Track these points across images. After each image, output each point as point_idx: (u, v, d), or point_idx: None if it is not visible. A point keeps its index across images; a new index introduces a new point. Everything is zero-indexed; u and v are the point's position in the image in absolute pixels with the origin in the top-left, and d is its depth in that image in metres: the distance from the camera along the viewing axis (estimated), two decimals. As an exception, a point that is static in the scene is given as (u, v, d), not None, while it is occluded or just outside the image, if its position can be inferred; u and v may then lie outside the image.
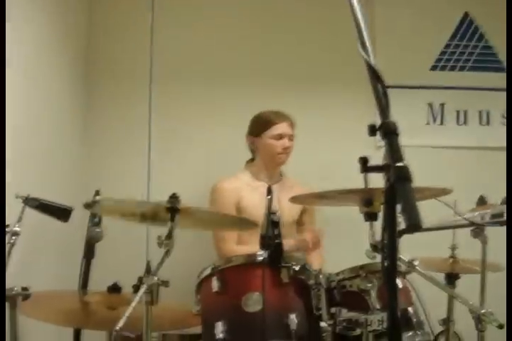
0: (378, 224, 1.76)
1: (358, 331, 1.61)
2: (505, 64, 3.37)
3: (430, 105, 3.34)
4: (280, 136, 2.63)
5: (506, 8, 3.06)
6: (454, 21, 3.40)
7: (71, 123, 2.88)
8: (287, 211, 2.68)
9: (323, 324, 1.66)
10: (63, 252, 2.64)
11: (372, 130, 1.00)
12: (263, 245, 1.68)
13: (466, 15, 3.41)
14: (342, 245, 2.87)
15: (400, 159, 0.93)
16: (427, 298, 1.99)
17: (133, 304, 1.39)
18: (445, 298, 2.44)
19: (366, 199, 1.58)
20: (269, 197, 1.76)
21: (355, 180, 1.53)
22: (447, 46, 3.41)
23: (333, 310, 1.65)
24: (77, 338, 2.10)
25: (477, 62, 3.41)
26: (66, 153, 2.78)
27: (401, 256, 1.76)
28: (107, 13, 3.12)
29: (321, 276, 1.71)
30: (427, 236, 2.26)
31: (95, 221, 2.19)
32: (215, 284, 1.70)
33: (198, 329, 1.81)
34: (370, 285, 1.75)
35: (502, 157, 2.69)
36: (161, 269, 1.55)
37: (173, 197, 1.68)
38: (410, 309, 1.81)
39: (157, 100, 3.05)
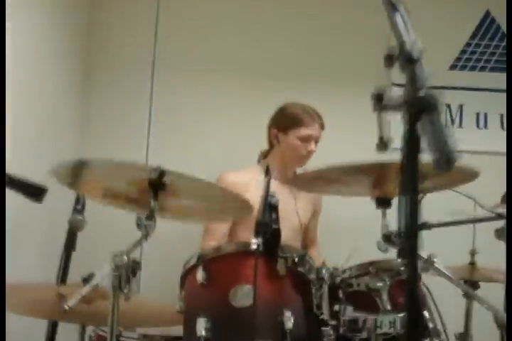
0: (391, 213, 1.55)
1: (364, 334, 1.37)
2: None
3: (448, 106, 3.13)
4: (308, 138, 2.38)
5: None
6: (475, 20, 3.23)
7: (67, 110, 2.71)
8: (302, 213, 2.47)
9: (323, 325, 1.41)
10: (47, 242, 2.45)
11: (390, 59, 0.79)
12: (258, 231, 1.46)
13: (487, 13, 3.25)
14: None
15: (423, 88, 0.72)
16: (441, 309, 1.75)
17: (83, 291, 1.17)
18: (462, 309, 2.21)
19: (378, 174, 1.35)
20: (267, 177, 1.55)
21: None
22: (467, 45, 3.25)
23: (336, 307, 1.41)
24: (51, 331, 1.88)
25: (499, 63, 3.22)
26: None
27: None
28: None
29: (324, 270, 1.48)
30: (443, 240, 2.06)
31: (78, 208, 1.98)
32: (200, 275, 1.45)
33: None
34: (381, 284, 1.51)
35: None
36: (151, 268, 1.33)
37: (157, 169, 1.46)
38: (426, 314, 1.57)
39: (158, 92, 2.92)
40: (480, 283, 2.20)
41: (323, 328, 1.39)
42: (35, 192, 1.72)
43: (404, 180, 0.82)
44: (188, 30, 2.97)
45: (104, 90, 2.92)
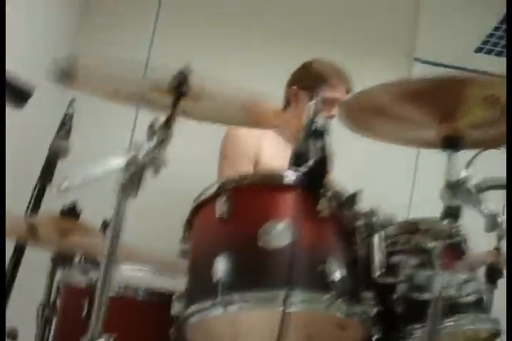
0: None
1: (427, 294, 1.08)
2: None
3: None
4: (332, 101, 2.04)
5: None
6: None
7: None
8: None
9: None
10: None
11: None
12: (295, 162, 1.16)
13: (520, -2, 3.02)
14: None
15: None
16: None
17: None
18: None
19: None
20: (314, 101, 1.25)
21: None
22: (496, 29, 3.03)
23: (395, 259, 1.11)
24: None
25: (528, 49, 3.00)
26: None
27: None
28: None
29: (375, 218, 1.19)
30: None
31: (62, 133, 1.65)
32: (220, 207, 1.13)
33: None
34: (435, 244, 1.23)
35: None
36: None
37: (182, 73, 1.16)
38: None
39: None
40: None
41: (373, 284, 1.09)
42: (16, 96, 1.39)
43: None
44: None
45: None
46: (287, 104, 2.20)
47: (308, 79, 2.13)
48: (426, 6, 2.91)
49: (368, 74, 2.70)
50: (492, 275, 1.95)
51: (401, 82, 1.22)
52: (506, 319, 1.32)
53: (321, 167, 1.16)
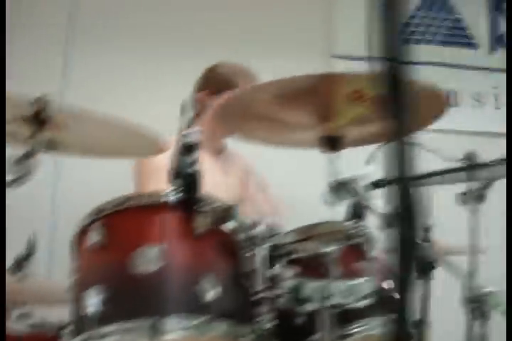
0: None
1: (310, 305, 1.03)
2: (476, 40, 3.00)
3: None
4: None
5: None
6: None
7: None
8: (234, 189, 2.16)
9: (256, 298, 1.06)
10: None
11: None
12: (171, 178, 1.11)
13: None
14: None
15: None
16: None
17: None
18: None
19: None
20: (185, 115, 1.21)
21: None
22: (411, 18, 3.03)
23: (274, 271, 1.06)
24: None
25: (447, 37, 3.02)
26: None
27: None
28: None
29: (256, 229, 1.14)
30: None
31: None
32: (94, 235, 1.08)
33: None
34: (329, 249, 1.18)
35: (471, 142, 2.49)
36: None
37: (41, 101, 1.10)
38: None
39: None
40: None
41: (256, 300, 1.04)
42: None
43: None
44: None
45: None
46: (197, 111, 2.15)
47: (214, 84, 2.06)
48: (341, 4, 2.89)
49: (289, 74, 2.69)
50: (424, 268, 1.92)
51: (273, 83, 1.18)
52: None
53: (193, 182, 1.11)
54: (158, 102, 2.53)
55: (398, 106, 0.65)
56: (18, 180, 1.03)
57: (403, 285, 0.58)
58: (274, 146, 1.33)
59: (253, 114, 1.20)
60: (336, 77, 1.11)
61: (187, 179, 1.09)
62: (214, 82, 2.08)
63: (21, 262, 1.38)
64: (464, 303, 1.37)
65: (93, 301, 1.00)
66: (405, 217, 0.56)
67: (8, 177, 1.03)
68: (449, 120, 2.73)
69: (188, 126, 1.19)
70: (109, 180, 2.22)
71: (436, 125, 2.70)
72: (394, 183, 0.61)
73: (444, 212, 1.91)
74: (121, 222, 1.11)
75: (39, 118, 1.12)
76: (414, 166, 0.60)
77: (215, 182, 2.10)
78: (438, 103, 1.27)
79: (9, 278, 1.37)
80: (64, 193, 2.46)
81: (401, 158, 0.61)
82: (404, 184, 0.60)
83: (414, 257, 0.57)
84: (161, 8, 2.69)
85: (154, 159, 2.03)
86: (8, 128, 1.15)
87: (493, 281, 1.47)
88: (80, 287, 1.06)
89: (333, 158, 1.18)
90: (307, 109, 1.18)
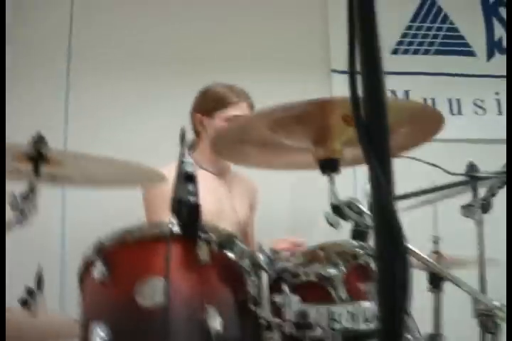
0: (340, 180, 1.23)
1: (317, 331, 1.03)
2: (473, 48, 3.01)
3: (394, 92, 2.90)
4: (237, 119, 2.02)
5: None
6: (415, 1, 3.05)
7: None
8: (240, 209, 2.19)
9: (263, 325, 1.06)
10: None
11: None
12: (173, 209, 1.12)
13: (427, -6, 3.07)
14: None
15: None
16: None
17: None
18: (428, 306, 1.93)
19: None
20: (182, 140, 1.22)
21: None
22: (409, 28, 3.04)
23: (279, 299, 1.06)
24: None
25: (443, 46, 3.03)
26: None
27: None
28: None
29: (260, 255, 1.14)
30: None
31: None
32: (98, 270, 1.09)
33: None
34: (334, 271, 1.19)
35: (475, 150, 2.49)
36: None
37: (38, 139, 1.12)
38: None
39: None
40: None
41: (263, 326, 1.04)
42: None
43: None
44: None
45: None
46: (197, 133, 2.17)
47: (207, 104, 2.11)
48: (335, 17, 2.90)
49: (290, 91, 2.71)
50: (435, 280, 1.92)
51: (269, 110, 1.19)
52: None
53: (194, 212, 1.11)
54: (155, 129, 2.56)
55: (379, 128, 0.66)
56: (25, 215, 1.04)
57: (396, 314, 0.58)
58: (274, 170, 1.34)
59: (251, 141, 1.21)
60: (330, 102, 1.12)
61: (188, 207, 1.10)
62: (207, 102, 2.12)
63: (31, 296, 1.39)
64: (475, 316, 1.36)
65: (99, 337, 1.00)
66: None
67: (16, 213, 1.05)
68: (451, 128, 2.78)
69: (188, 153, 1.20)
70: (118, 211, 2.24)
71: (440, 134, 2.75)
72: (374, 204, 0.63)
73: (451, 225, 1.93)
74: (122, 256, 1.12)
75: (38, 155, 1.14)
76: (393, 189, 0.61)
77: (222, 205, 2.13)
78: (434, 120, 1.27)
79: (21, 314, 1.37)
80: (73, 226, 2.49)
81: (382, 180, 0.63)
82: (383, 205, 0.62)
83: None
84: (158, 36, 2.73)
85: (163, 187, 2.06)
86: (8, 166, 1.17)
87: (503, 293, 1.46)
88: (86, 322, 1.07)
89: (333, 180, 1.19)
90: (304, 133, 1.19)
